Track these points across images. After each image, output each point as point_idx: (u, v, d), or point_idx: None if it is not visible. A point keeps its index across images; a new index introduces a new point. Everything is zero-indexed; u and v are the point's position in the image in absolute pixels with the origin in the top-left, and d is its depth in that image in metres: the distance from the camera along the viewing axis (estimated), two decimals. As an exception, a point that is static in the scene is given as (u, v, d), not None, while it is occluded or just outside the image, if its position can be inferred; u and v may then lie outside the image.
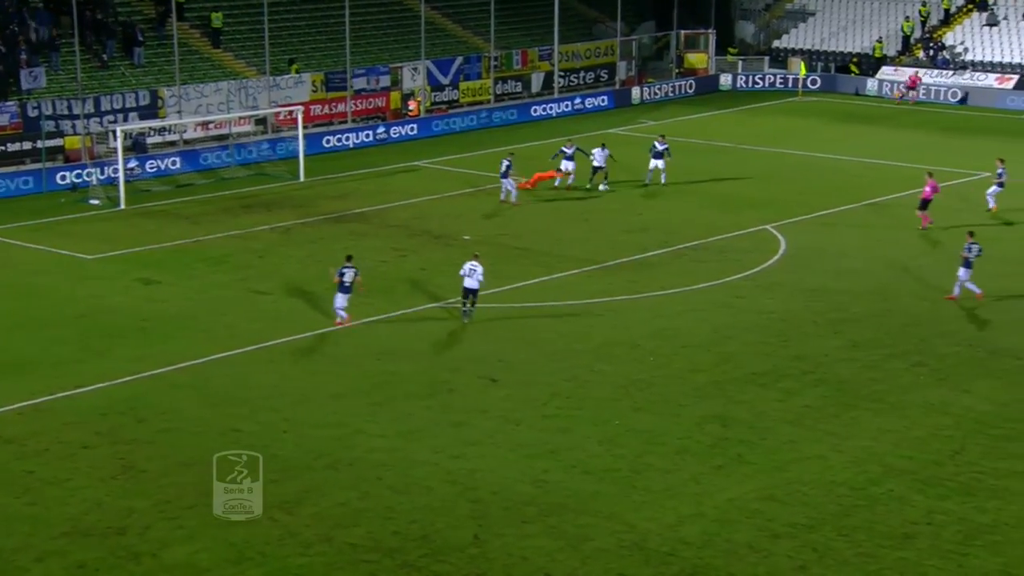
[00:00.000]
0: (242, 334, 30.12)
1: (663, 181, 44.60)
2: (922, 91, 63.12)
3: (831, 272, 34.76)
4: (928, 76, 65.13)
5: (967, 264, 31.75)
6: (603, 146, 44.19)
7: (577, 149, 44.41)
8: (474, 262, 30.53)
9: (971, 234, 32.31)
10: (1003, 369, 27.79)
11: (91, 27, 52.49)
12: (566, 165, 44.26)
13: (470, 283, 30.50)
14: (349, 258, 30.55)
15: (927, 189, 38.75)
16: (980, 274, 32.19)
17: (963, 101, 62.92)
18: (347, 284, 29.96)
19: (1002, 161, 40.73)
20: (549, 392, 26.54)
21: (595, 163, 43.83)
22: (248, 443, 23.94)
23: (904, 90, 62.88)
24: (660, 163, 44.73)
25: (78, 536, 20.51)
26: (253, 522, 20.85)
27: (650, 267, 35.66)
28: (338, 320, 30.40)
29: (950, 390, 26.63)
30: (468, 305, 30.76)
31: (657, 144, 45.15)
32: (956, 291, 32.08)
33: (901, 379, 27.28)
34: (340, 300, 30.21)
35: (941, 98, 63.51)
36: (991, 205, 40.41)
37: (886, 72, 66.76)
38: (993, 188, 40.47)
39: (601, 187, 43.74)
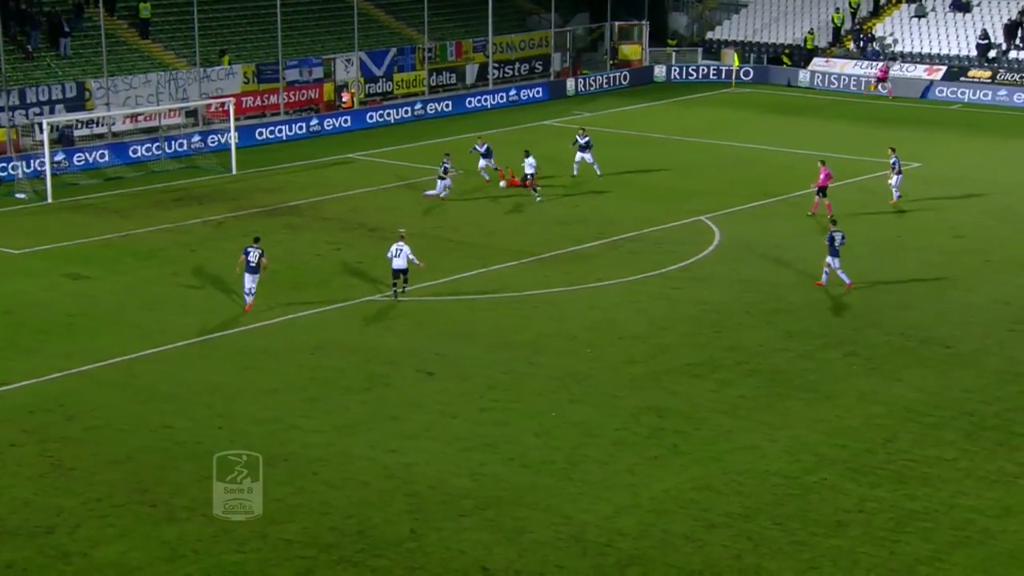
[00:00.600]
0: (173, 329, 29.73)
1: (599, 173, 44.63)
2: (846, 82, 63.68)
3: (765, 263, 35.04)
4: (858, 67, 65.88)
5: (833, 252, 32.36)
6: (527, 153, 42.25)
7: (489, 147, 43.84)
8: (400, 243, 31.32)
9: (834, 222, 33.18)
10: (933, 358, 28.16)
11: (15, 17, 51.51)
12: (481, 163, 43.77)
13: (399, 263, 31.31)
14: (256, 239, 31.14)
15: (821, 176, 39.38)
16: (914, 263, 32.56)
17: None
18: (252, 264, 30.42)
19: (893, 150, 41.17)
20: (486, 385, 26.48)
21: (526, 171, 42.15)
22: (180, 439, 23.69)
23: (875, 82, 63.13)
24: (587, 155, 44.70)
25: (6, 536, 20.13)
26: (185, 520, 20.61)
27: (586, 259, 35.71)
28: (247, 304, 30.67)
29: (882, 379, 26.94)
30: (400, 286, 31.40)
31: (579, 138, 45.18)
32: (823, 278, 32.74)
33: (834, 369, 27.56)
34: (248, 281, 30.59)
35: (868, 89, 64.24)
36: (895, 196, 40.72)
37: (817, 63, 67.44)
38: (895, 178, 40.78)
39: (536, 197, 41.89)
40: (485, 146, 44.14)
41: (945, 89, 62.76)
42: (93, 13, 52.98)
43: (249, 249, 30.64)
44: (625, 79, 67.31)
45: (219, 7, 58.43)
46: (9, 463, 22.70)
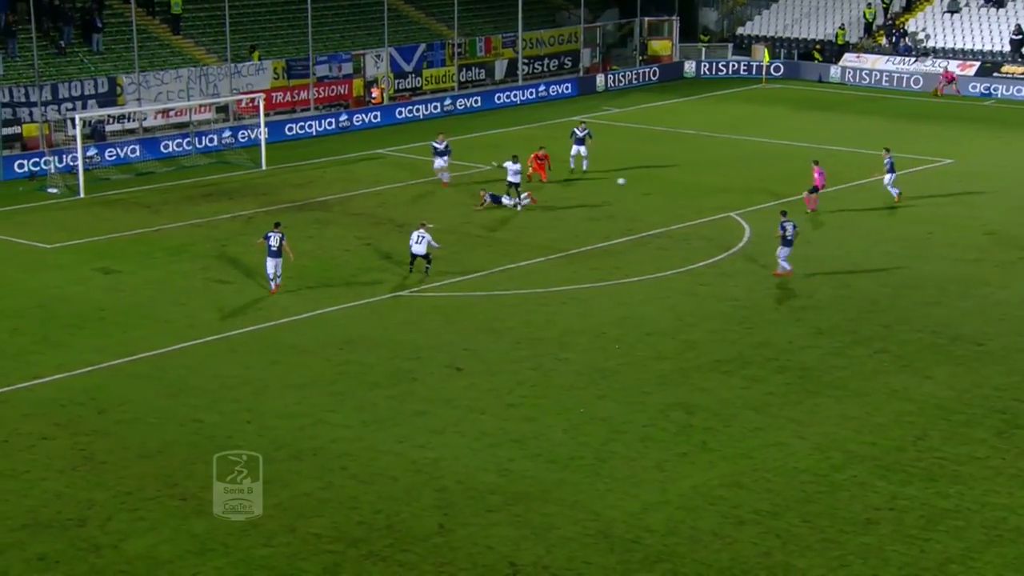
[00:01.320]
0: (203, 324, 29.87)
1: (584, 168, 44.40)
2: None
3: (794, 259, 34.85)
4: (891, 63, 65.43)
5: (785, 242, 32.62)
6: (515, 158, 40.24)
7: (435, 145, 42.85)
8: (422, 230, 32.54)
9: (784, 213, 33.46)
10: (963, 355, 27.96)
11: (48, 13, 51.83)
12: (437, 162, 42.73)
13: (418, 249, 32.57)
14: (277, 224, 32.09)
15: (816, 176, 39.29)
16: (945, 260, 32.28)
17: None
18: (274, 248, 31.27)
19: (888, 150, 40.95)
20: (513, 381, 26.47)
21: (509, 178, 39.83)
22: (209, 434, 23.80)
23: (943, 83, 62.38)
24: (583, 149, 44.46)
25: (38, 528, 20.29)
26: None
27: (614, 255, 35.64)
28: (272, 288, 31.51)
29: (912, 376, 26.77)
30: (422, 268, 32.75)
31: (577, 131, 44.98)
32: (780, 269, 33.04)
33: (864, 365, 27.40)
34: (270, 265, 31.49)
35: (903, 85, 63.84)
36: (895, 195, 40.34)
37: (849, 59, 67.04)
38: (888, 177, 40.45)
39: (508, 201, 39.74)
40: (444, 143, 42.93)
41: (979, 85, 62.24)
42: (125, 9, 53.28)
43: (270, 234, 31.50)
44: (655, 75, 67.10)
45: (249, 3, 58.63)
46: (41, 456, 22.89)
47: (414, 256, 32.81)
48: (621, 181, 41.74)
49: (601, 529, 20.30)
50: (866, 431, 24.05)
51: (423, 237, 32.44)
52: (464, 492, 21.52)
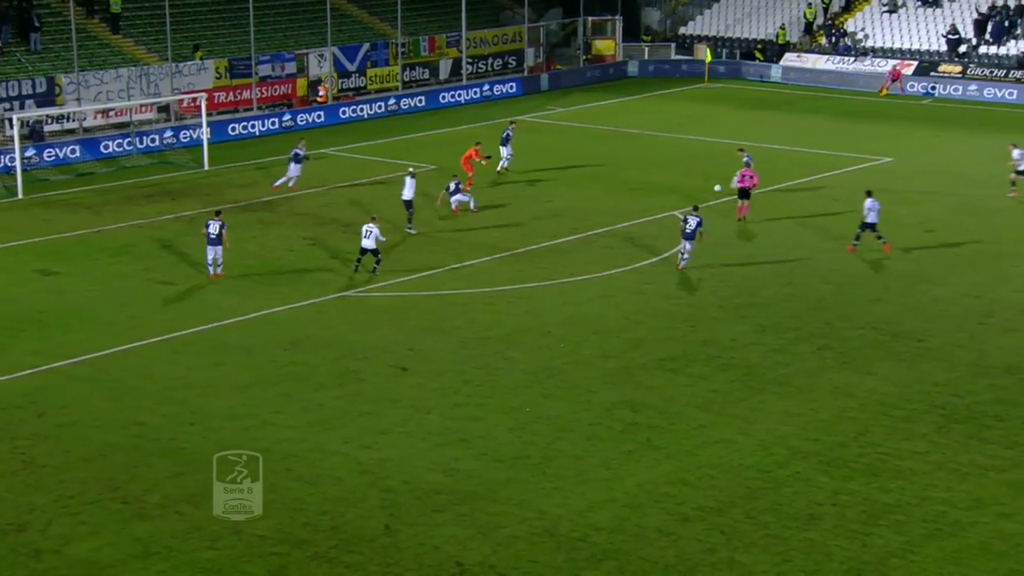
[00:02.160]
0: (145, 325, 29.57)
1: (499, 168, 44.19)
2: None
3: (738, 257, 35.13)
4: (830, 62, 66.13)
5: (685, 236, 33.21)
6: (411, 174, 37.70)
7: (297, 152, 41.90)
8: (371, 224, 32.83)
9: (695, 208, 33.82)
10: (904, 351, 28.32)
11: (-15, 12, 51.14)
12: (292, 168, 41.85)
13: (367, 243, 32.76)
14: (218, 212, 32.96)
15: (737, 179, 38.56)
16: (886, 258, 32.62)
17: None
18: (213, 236, 32.09)
19: (742, 151, 41.23)
20: (460, 380, 26.46)
21: (404, 197, 37.26)
22: (152, 436, 23.57)
23: (889, 81, 63.06)
24: (506, 150, 44.32)
25: (-24, 535, 19.99)
26: (159, 516, 20.51)
27: (560, 254, 35.73)
28: (211, 274, 32.22)
29: (854, 373, 27.08)
30: (371, 265, 32.89)
31: (509, 131, 45.09)
32: (680, 262, 33.69)
33: (807, 362, 27.67)
34: (209, 253, 32.28)
35: (843, 84, 64.52)
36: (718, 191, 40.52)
37: (789, 59, 67.69)
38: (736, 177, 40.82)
39: (409, 229, 37.23)
40: (295, 151, 41.99)
41: (917, 84, 63.08)
42: (63, 8, 52.61)
43: (210, 222, 32.28)
44: (599, 74, 67.33)
45: (191, 2, 58.12)
46: (-21, 461, 22.55)
47: (363, 251, 32.93)
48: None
49: (547, 528, 20.34)
50: (809, 427, 24.29)
51: (371, 231, 32.65)
52: (410, 492, 21.47)
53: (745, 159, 40.34)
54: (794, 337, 29.12)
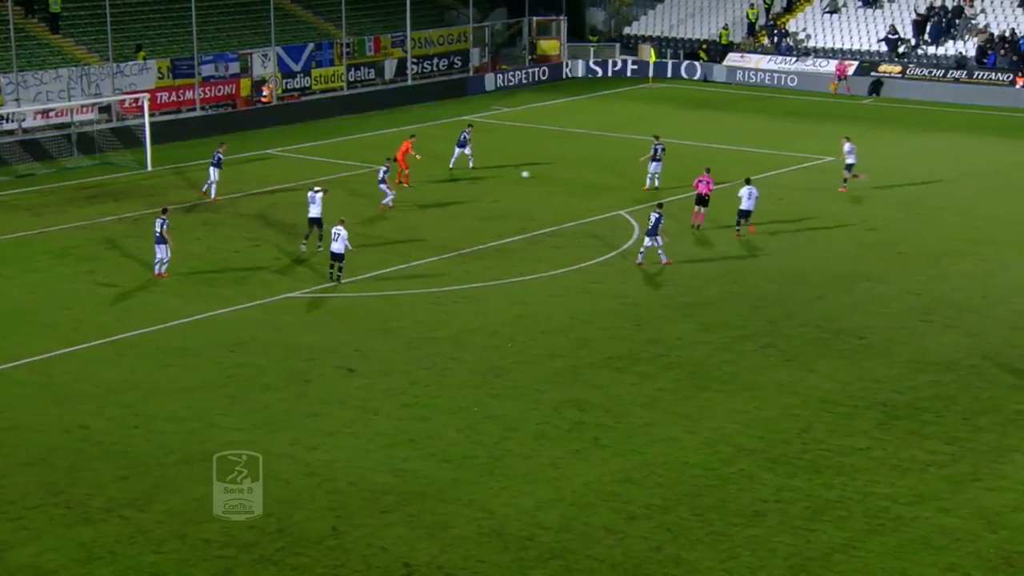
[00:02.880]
0: (88, 328, 29.27)
1: (471, 165, 45.06)
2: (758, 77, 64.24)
3: (683, 257, 35.36)
4: (773, 62, 66.74)
5: (651, 232, 33.94)
6: (317, 191, 35.11)
7: (218, 155, 40.78)
8: (339, 227, 32.13)
9: (659, 205, 34.94)
10: (846, 349, 28.66)
11: (-79, 10, 50.32)
12: (213, 173, 40.71)
13: (336, 247, 32.11)
14: (164, 210, 33.23)
15: (697, 183, 38.51)
16: (827, 256, 32.97)
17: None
18: (157, 234, 32.21)
19: (657, 137, 42.88)
20: (407, 381, 26.43)
21: (311, 215, 35.03)
22: (96, 440, 23.34)
23: (836, 79, 63.49)
24: (467, 150, 45.20)
25: (-84, 542, 19.70)
26: (102, 520, 20.32)
27: (507, 253, 35.79)
28: (155, 271, 32.44)
29: (797, 370, 27.37)
30: (335, 273, 32.23)
31: (466, 133, 45.55)
32: (640, 258, 34.36)
33: (751, 360, 27.92)
34: (157, 252, 32.30)
35: (783, 83, 65.19)
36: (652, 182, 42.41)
37: (733, 59, 68.21)
38: (653, 165, 42.63)
39: (303, 246, 35.37)
40: (216, 154, 40.80)
41: (857, 83, 63.78)
42: (1, 8, 51.88)
43: (157, 220, 32.67)
44: (544, 74, 67.50)
45: (132, 1, 57.51)
46: (-81, 467, 22.22)
47: (332, 255, 32.15)
48: (525, 174, 42.19)
49: (495, 527, 20.38)
50: (754, 425, 24.52)
51: (339, 234, 31.93)
52: (358, 493, 21.44)
53: (656, 146, 42.07)
54: (739, 335, 29.38)
